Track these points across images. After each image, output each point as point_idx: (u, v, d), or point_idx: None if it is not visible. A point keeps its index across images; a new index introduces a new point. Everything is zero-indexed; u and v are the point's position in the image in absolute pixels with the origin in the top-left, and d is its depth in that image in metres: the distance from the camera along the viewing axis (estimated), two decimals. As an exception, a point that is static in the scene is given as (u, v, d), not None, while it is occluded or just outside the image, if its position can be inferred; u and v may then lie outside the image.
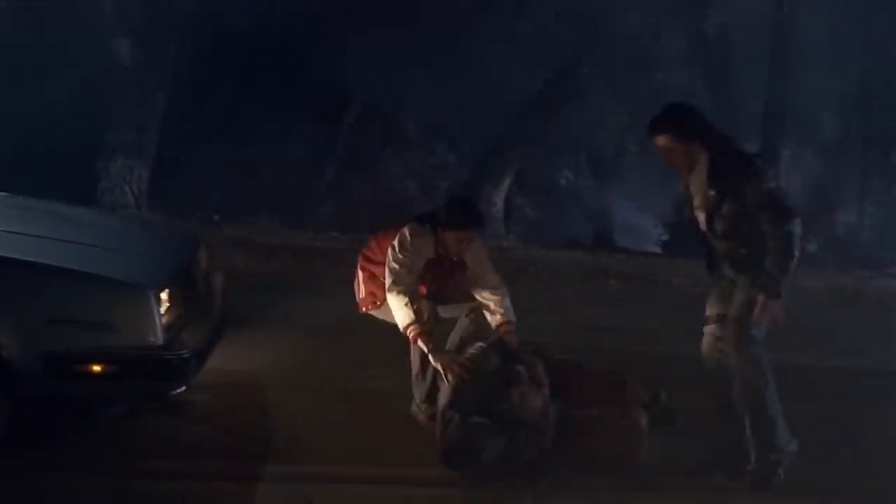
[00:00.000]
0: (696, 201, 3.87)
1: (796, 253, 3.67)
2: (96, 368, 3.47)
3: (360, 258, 4.45)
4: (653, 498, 3.75)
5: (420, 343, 4.06)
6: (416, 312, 4.06)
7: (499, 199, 13.00)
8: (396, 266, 4.12)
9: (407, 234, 4.19)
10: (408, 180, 15.52)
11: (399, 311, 4.07)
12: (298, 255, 9.30)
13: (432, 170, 15.81)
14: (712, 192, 3.76)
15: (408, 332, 4.06)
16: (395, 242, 4.18)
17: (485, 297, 4.26)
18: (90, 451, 3.71)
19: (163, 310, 3.59)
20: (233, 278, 5.26)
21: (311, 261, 9.06)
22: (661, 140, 3.81)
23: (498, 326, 4.21)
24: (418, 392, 4.23)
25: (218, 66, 11.64)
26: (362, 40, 11.73)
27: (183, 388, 3.69)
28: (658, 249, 13.06)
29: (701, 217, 3.85)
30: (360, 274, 4.40)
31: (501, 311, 4.22)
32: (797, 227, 3.67)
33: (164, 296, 3.65)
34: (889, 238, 13.53)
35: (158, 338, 3.50)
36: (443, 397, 3.92)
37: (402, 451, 3.95)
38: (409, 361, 4.23)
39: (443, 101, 13.47)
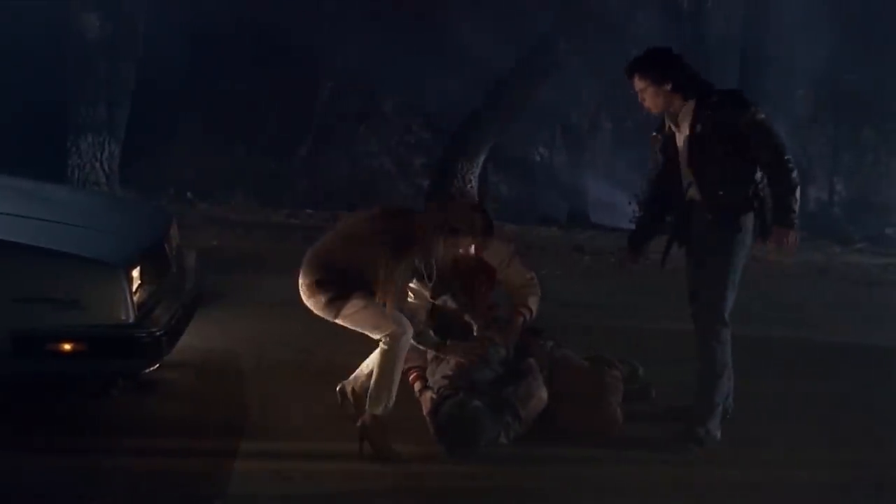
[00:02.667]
0: (680, 140, 3.93)
1: (798, 180, 3.78)
2: (67, 347, 3.43)
3: None
4: (622, 469, 3.79)
5: (414, 385, 4.10)
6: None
7: (473, 176, 12.98)
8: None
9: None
10: (383, 157, 15.46)
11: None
12: (273, 233, 9.25)
13: (408, 146, 15.76)
14: (699, 126, 3.83)
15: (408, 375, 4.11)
16: None
17: (515, 294, 4.28)
18: (63, 431, 3.68)
19: (134, 287, 3.55)
20: (206, 256, 5.23)
21: (285, 238, 9.01)
22: (634, 80, 3.92)
23: (514, 309, 4.24)
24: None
25: (190, 41, 11.48)
26: (337, 16, 11.62)
27: (155, 367, 3.66)
28: (632, 226, 13.13)
29: (684, 152, 3.91)
30: None
31: (522, 300, 4.24)
32: (791, 157, 3.79)
33: (135, 273, 3.61)
34: (858, 214, 13.71)
35: (130, 316, 3.47)
36: (442, 375, 3.95)
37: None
38: None
39: (418, 77, 13.41)
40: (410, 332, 3.74)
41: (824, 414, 4.51)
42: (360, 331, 3.77)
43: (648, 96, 3.92)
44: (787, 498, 3.62)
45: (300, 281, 3.84)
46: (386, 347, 3.69)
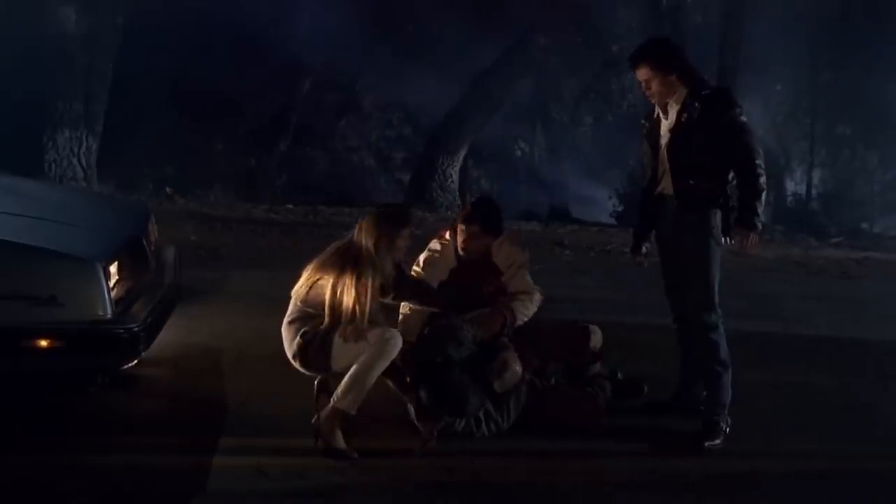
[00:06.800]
0: (664, 128, 4.00)
1: (765, 185, 3.87)
2: (44, 344, 3.40)
3: None
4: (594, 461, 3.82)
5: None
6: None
7: (454, 171, 13.00)
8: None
9: (428, 247, 4.32)
10: (363, 152, 15.44)
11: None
12: (252, 228, 9.22)
13: (388, 141, 15.75)
14: (685, 115, 3.90)
15: None
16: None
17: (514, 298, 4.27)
18: (40, 428, 3.66)
19: (111, 283, 3.53)
20: (186, 251, 5.20)
21: (265, 233, 8.99)
22: (640, 70, 3.99)
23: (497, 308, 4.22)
24: None
25: (168, 35, 11.40)
26: (317, 11, 11.58)
27: (134, 363, 3.64)
28: (612, 220, 13.20)
29: (666, 139, 3.98)
30: None
31: (510, 303, 4.20)
32: (763, 163, 3.87)
33: (112, 269, 3.59)
34: (835, 209, 13.84)
35: (107, 311, 3.45)
36: (424, 350, 3.95)
37: (354, 421, 3.95)
38: None
39: (399, 73, 13.40)
40: (399, 339, 3.73)
41: (801, 406, 4.56)
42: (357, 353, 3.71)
43: (655, 85, 3.97)
44: (766, 488, 3.65)
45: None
46: (375, 348, 3.66)
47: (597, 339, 4.32)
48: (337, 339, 3.72)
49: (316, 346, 3.76)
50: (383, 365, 3.69)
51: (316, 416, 3.71)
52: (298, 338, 3.80)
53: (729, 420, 3.98)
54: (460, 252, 4.28)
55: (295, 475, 3.47)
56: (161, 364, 4.34)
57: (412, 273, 4.24)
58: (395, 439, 3.76)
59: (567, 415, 4.04)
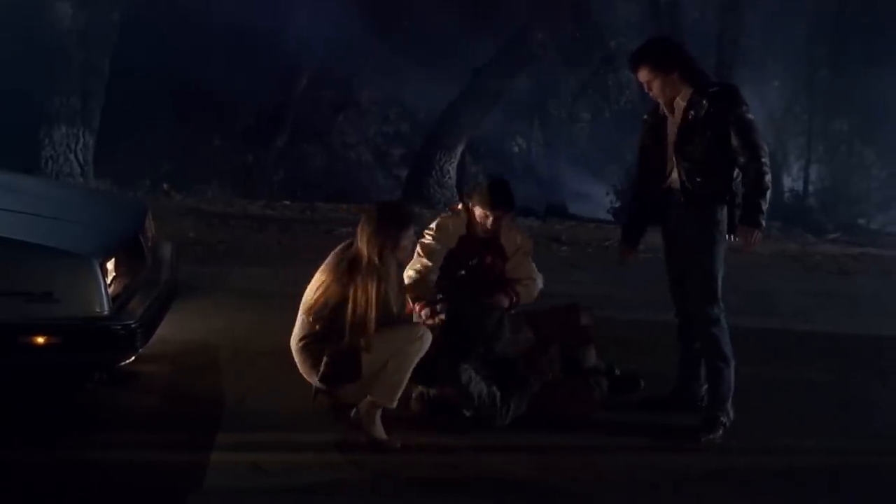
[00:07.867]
0: (671, 124, 3.99)
1: (770, 183, 3.87)
2: (41, 340, 3.40)
3: None
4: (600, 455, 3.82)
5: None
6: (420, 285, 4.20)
7: (451, 167, 12.98)
8: (422, 242, 4.27)
9: (440, 216, 4.45)
10: (361, 147, 15.42)
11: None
12: (249, 224, 9.21)
13: (385, 137, 15.72)
14: (692, 112, 3.89)
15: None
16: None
17: (518, 283, 4.35)
18: (37, 425, 3.65)
19: (109, 279, 3.52)
20: (183, 247, 5.19)
21: (261, 229, 8.98)
22: (640, 72, 3.97)
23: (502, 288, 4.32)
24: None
25: (165, 31, 11.38)
26: (314, 7, 11.56)
27: (131, 359, 3.63)
28: (609, 217, 13.19)
29: (674, 137, 3.96)
30: None
31: (517, 289, 4.31)
32: (768, 161, 3.88)
33: (109, 265, 3.58)
34: (832, 204, 13.85)
35: (104, 308, 3.44)
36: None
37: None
38: None
39: (396, 69, 13.37)
40: (430, 335, 3.72)
41: (798, 401, 4.56)
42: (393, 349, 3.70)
43: (657, 86, 3.95)
44: (764, 484, 3.66)
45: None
46: (408, 348, 3.66)
47: (587, 316, 4.39)
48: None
49: (344, 362, 3.69)
50: (416, 360, 3.69)
51: (355, 411, 3.73)
52: (326, 359, 3.70)
53: (731, 414, 3.99)
54: (488, 228, 4.30)
55: (293, 472, 3.47)
56: (158, 360, 4.34)
57: (425, 235, 4.30)
58: (395, 434, 3.76)
59: (564, 405, 4.07)
